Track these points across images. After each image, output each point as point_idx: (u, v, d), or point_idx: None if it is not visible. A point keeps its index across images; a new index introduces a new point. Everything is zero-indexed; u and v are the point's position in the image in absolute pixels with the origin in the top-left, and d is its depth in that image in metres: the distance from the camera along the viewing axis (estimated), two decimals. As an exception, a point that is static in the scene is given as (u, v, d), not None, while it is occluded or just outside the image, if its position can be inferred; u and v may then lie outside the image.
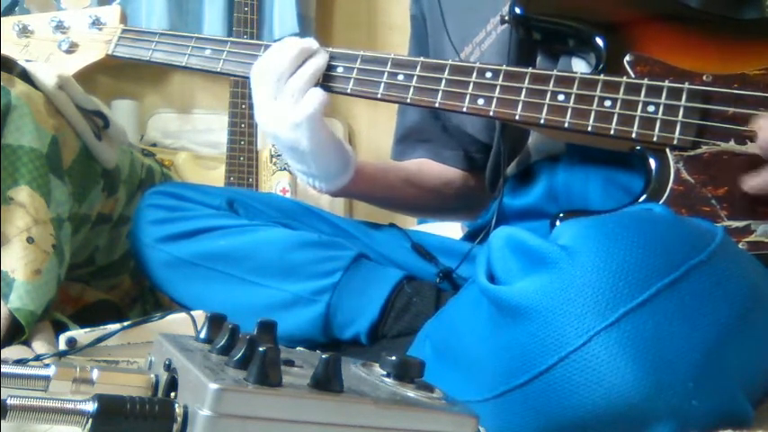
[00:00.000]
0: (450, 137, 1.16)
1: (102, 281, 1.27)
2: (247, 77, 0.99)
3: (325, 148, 0.96)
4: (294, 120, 0.93)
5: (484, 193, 1.17)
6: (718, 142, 0.81)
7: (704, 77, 0.84)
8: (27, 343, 0.93)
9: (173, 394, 0.48)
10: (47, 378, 0.51)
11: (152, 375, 0.53)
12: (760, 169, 0.79)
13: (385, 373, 0.52)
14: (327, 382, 0.45)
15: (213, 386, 0.42)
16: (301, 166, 0.99)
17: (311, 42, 0.96)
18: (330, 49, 0.97)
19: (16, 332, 0.93)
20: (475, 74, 0.90)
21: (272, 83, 0.94)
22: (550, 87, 0.87)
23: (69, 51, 1.09)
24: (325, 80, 0.96)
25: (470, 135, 1.13)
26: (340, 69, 0.96)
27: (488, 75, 0.90)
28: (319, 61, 0.95)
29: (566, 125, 0.86)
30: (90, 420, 0.43)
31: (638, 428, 0.57)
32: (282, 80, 0.94)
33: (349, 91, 0.95)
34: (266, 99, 0.95)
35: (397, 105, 1.19)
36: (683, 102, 0.83)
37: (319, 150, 0.96)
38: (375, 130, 2.37)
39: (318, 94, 0.93)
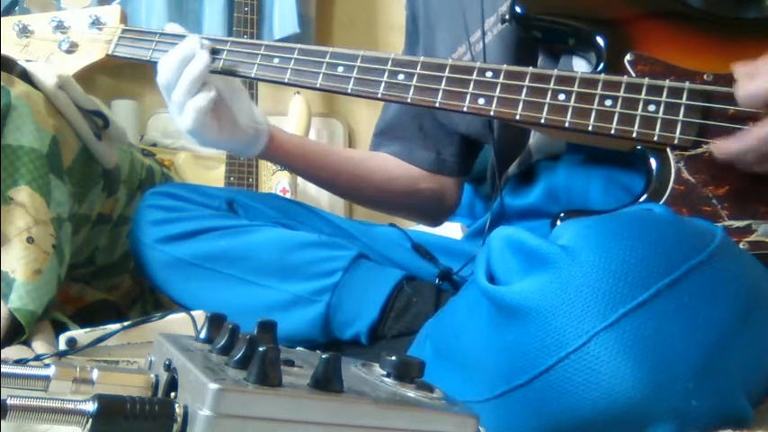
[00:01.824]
0: (426, 137, 1.16)
1: (102, 281, 1.27)
2: (248, 77, 0.99)
3: (219, 142, 1.02)
4: (183, 130, 0.98)
5: (449, 200, 1.20)
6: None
7: (705, 76, 0.84)
8: (27, 343, 0.93)
9: (173, 394, 0.48)
10: (47, 378, 0.51)
11: (152, 375, 0.53)
12: (741, 133, 0.78)
13: (385, 373, 0.52)
14: (327, 382, 0.45)
15: (213, 386, 0.42)
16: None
17: (189, 46, 0.96)
18: (330, 49, 0.97)
19: (16, 332, 0.93)
20: (475, 73, 0.90)
21: (166, 96, 0.99)
22: (551, 86, 0.87)
23: (69, 51, 1.09)
24: (326, 80, 0.96)
25: (456, 135, 1.13)
26: (340, 69, 0.96)
27: (489, 74, 0.90)
28: (195, 68, 0.95)
29: (566, 125, 0.86)
30: (90, 420, 0.43)
31: (638, 429, 0.57)
32: (169, 93, 0.98)
33: (349, 91, 0.95)
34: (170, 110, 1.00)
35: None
36: (683, 101, 0.83)
37: (214, 145, 1.04)
38: (375, 130, 2.36)
39: (194, 107, 0.95)
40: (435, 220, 1.27)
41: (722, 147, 0.78)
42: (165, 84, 0.97)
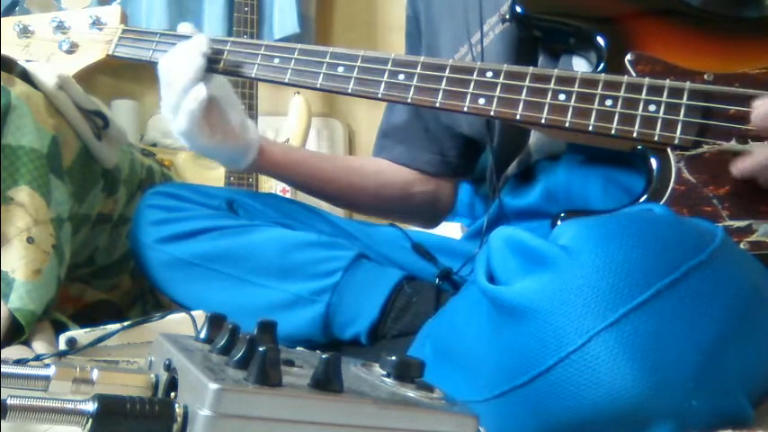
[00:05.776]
0: (431, 140, 1.16)
1: (102, 281, 1.27)
2: (248, 77, 0.99)
3: (209, 148, 1.01)
4: (176, 131, 0.99)
5: (443, 202, 1.21)
6: (720, 141, 0.81)
7: (705, 76, 0.84)
8: (27, 343, 0.93)
9: (173, 394, 0.48)
10: (47, 378, 0.51)
11: (152, 375, 0.53)
12: (748, 154, 0.79)
13: (385, 373, 0.52)
14: (327, 382, 0.45)
15: (213, 386, 0.42)
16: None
17: (188, 47, 0.97)
18: (330, 49, 0.97)
19: (16, 332, 0.93)
20: (476, 73, 0.90)
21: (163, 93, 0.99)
22: (551, 86, 0.87)
23: (70, 51, 1.09)
24: (326, 80, 0.96)
25: (459, 137, 1.13)
26: (340, 69, 0.96)
27: (489, 74, 0.90)
28: (191, 70, 0.95)
29: (567, 125, 0.86)
30: (90, 420, 0.43)
31: (638, 428, 0.57)
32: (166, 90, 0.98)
33: (349, 91, 0.95)
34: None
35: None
36: (684, 101, 0.83)
37: (203, 150, 1.03)
38: (375, 131, 2.36)
39: (186, 109, 0.95)
40: (430, 223, 1.27)
41: (739, 166, 0.79)
42: (166, 83, 0.97)
